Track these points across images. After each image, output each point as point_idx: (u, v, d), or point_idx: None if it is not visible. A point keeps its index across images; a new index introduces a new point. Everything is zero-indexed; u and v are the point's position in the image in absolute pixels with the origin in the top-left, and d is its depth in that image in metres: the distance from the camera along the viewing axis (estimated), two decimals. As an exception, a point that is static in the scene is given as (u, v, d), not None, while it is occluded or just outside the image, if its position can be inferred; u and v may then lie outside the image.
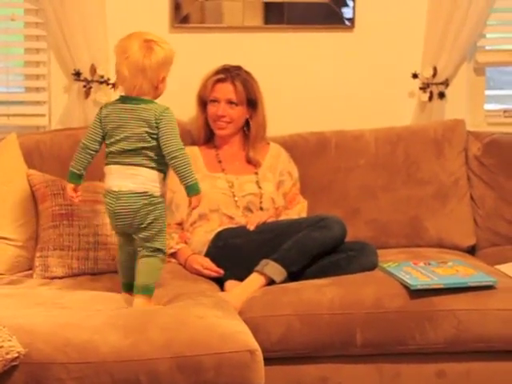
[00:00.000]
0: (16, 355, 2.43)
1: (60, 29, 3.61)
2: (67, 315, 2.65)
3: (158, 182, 2.83)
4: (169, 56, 2.83)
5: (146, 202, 2.80)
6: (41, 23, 3.72)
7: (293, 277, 3.10)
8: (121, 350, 2.50)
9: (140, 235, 2.83)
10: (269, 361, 2.67)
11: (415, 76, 3.87)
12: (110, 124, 2.84)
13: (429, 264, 3.13)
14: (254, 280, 3.07)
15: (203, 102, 3.57)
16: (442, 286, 2.94)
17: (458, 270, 3.06)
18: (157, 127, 2.79)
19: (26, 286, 3.06)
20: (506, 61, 4.04)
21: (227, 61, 3.59)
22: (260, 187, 3.50)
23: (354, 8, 3.84)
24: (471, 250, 3.64)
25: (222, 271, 3.21)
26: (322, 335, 2.91)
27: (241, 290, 3.04)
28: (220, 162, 3.55)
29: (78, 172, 2.89)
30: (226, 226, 3.36)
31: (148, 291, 2.82)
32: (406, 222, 3.62)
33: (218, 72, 3.54)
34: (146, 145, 2.80)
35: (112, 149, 2.84)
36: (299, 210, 3.55)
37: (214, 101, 3.53)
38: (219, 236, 3.31)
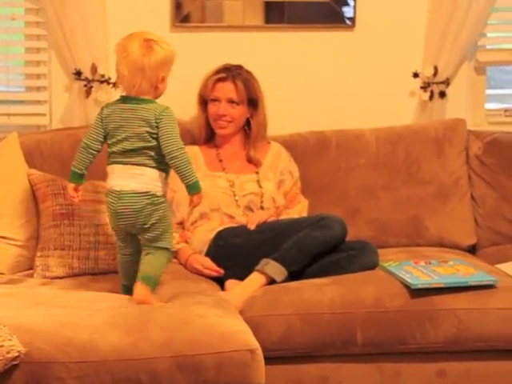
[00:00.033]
0: (16, 354, 2.43)
1: (61, 28, 3.61)
2: (68, 314, 2.65)
3: (160, 181, 2.83)
4: (169, 56, 2.82)
5: (148, 201, 2.80)
6: (41, 22, 3.72)
7: (293, 276, 3.10)
8: (121, 349, 2.50)
9: (145, 236, 2.83)
10: (269, 360, 2.67)
11: (416, 75, 3.87)
12: (112, 124, 2.84)
13: (429, 263, 3.13)
14: (255, 279, 3.07)
15: (204, 102, 3.57)
16: (442, 286, 2.94)
17: (458, 270, 3.06)
18: (157, 127, 2.78)
19: (26, 286, 3.05)
20: (506, 60, 4.04)
21: (228, 60, 3.59)
22: (261, 186, 3.49)
23: (354, 7, 3.84)
24: (472, 250, 3.64)
25: (222, 271, 3.21)
26: (322, 334, 2.91)
27: (241, 290, 3.03)
28: (221, 161, 3.54)
29: (79, 172, 2.88)
30: (226, 226, 3.35)
31: (148, 280, 2.79)
32: (407, 222, 3.62)
33: (218, 71, 3.54)
34: (147, 144, 2.80)
35: (114, 149, 2.84)
36: (300, 210, 3.54)
37: (215, 100, 3.52)
38: (220, 235, 3.30)
